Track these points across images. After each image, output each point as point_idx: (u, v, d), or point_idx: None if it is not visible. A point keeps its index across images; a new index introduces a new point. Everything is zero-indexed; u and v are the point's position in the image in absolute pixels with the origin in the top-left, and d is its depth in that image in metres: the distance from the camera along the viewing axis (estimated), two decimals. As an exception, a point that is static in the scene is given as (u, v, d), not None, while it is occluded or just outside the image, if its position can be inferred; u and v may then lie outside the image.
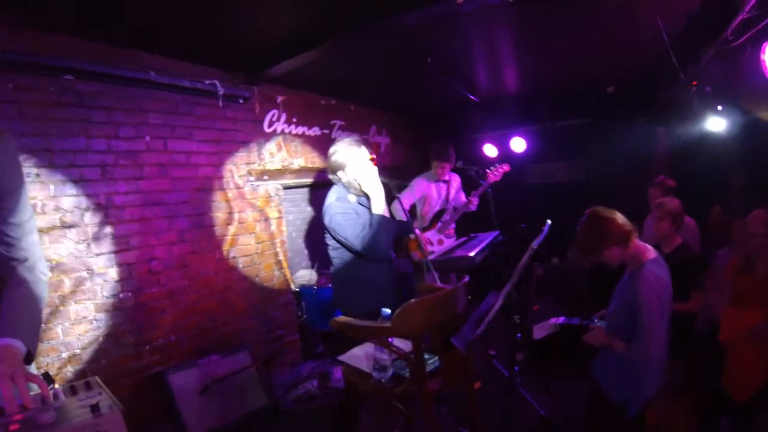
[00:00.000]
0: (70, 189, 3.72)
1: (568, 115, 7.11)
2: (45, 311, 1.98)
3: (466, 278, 3.06)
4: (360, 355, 2.97)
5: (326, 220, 3.50)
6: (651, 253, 2.98)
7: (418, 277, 4.80)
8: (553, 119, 7.24)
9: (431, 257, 4.08)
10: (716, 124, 4.79)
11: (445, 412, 3.88)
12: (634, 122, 6.35)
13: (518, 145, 7.35)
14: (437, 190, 6.01)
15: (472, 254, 3.93)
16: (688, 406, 3.69)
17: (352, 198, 3.57)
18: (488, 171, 5.66)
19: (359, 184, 3.52)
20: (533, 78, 6.21)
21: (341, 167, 3.51)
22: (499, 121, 7.56)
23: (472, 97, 6.40)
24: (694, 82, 4.53)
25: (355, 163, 3.48)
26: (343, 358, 3.01)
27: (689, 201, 4.85)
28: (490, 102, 6.95)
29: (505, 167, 5.72)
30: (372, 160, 3.53)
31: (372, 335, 2.68)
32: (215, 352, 4.42)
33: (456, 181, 6.12)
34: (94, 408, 1.43)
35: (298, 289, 5.63)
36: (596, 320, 3.30)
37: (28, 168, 3.47)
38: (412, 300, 2.62)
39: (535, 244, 2.48)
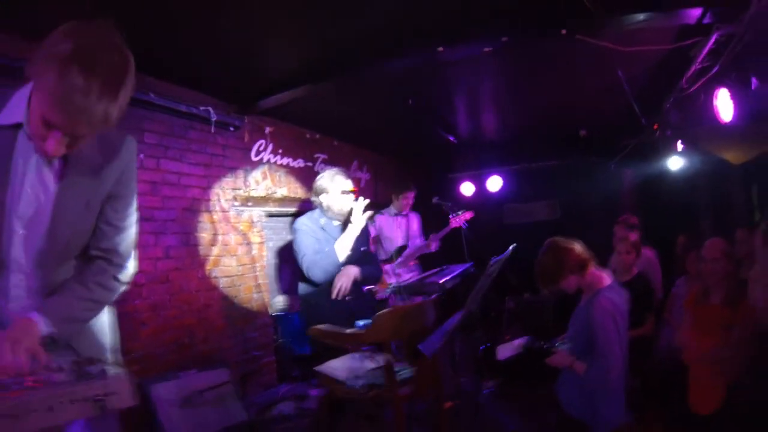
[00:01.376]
0: (65, 198, 3.86)
1: (543, 156, 7.49)
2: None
3: (434, 296, 3.27)
4: (337, 366, 3.14)
5: (292, 228, 3.95)
6: (607, 279, 3.19)
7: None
8: (529, 160, 7.61)
9: (403, 283, 4.32)
10: (675, 163, 5.21)
11: (418, 430, 4.02)
12: (605, 164, 6.74)
13: (494, 184, 7.71)
14: (396, 224, 6.30)
15: (441, 281, 4.14)
16: (654, 426, 3.89)
17: (323, 221, 3.92)
18: (450, 217, 5.97)
19: (337, 211, 3.85)
20: (510, 121, 6.56)
21: (324, 191, 3.88)
22: (477, 161, 7.92)
23: (450, 138, 6.71)
24: (655, 126, 4.90)
25: (336, 190, 3.85)
26: (320, 368, 3.18)
27: (656, 234, 5.17)
28: (468, 143, 7.29)
29: (468, 214, 6.07)
30: (354, 192, 3.89)
31: (347, 341, 2.87)
32: (194, 367, 4.49)
33: (415, 219, 6.43)
34: (103, 372, 1.54)
35: (275, 314, 5.77)
36: (557, 344, 3.49)
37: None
38: (384, 310, 2.85)
39: (493, 260, 2.69)
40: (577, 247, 3.20)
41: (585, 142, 6.84)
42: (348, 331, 2.89)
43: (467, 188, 7.95)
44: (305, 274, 3.85)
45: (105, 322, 2.07)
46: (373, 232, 6.15)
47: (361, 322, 2.96)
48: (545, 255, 3.24)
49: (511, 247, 2.95)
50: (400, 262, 6.06)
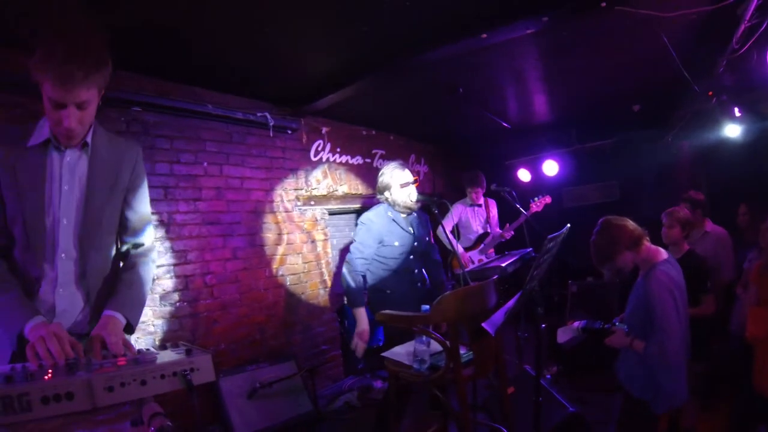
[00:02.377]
0: (137, 207, 4.12)
1: (597, 136, 7.37)
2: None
3: (495, 276, 3.31)
4: (402, 352, 3.22)
5: (358, 221, 4.07)
6: (663, 254, 3.16)
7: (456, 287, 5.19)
8: (583, 141, 7.50)
9: (467, 269, 4.38)
10: (733, 130, 4.99)
11: (483, 417, 4.06)
12: (661, 138, 6.55)
13: (550, 168, 7.64)
14: (474, 213, 6.57)
15: (503, 264, 4.19)
16: (722, 410, 3.78)
17: (391, 214, 3.98)
18: (531, 202, 6.20)
19: (402, 204, 3.94)
20: (561, 102, 6.50)
21: (387, 187, 3.97)
22: (531, 146, 7.86)
23: (504, 123, 6.70)
24: (710, 93, 4.71)
25: (396, 184, 3.93)
26: (386, 354, 3.27)
27: (721, 207, 4.97)
28: (522, 128, 7.27)
29: (547, 199, 6.25)
30: (415, 182, 3.98)
31: (413, 323, 2.94)
32: (264, 361, 4.71)
33: (494, 207, 6.65)
34: (188, 351, 1.76)
35: (340, 309, 5.91)
36: (617, 323, 3.47)
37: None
38: (448, 292, 2.91)
39: (550, 236, 2.71)
40: (630, 223, 3.20)
41: (639, 116, 6.66)
42: (415, 313, 2.97)
43: (524, 174, 7.93)
44: (347, 262, 3.97)
45: None
46: (452, 221, 6.40)
47: (426, 306, 3.03)
48: (599, 233, 3.25)
49: (566, 227, 2.94)
50: (482, 249, 6.38)
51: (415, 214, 4.06)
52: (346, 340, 5.81)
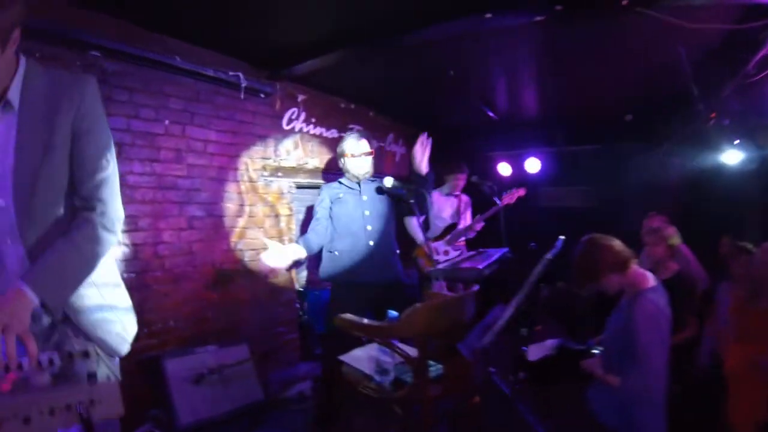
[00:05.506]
0: (85, 163, 3.71)
1: (583, 140, 7.27)
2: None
3: (476, 287, 3.04)
4: (362, 357, 2.94)
5: None
6: (650, 281, 2.95)
7: (425, 285, 5.00)
8: (569, 143, 7.40)
9: (439, 266, 4.11)
10: (732, 157, 4.83)
11: (445, 429, 3.85)
12: (649, 152, 6.41)
13: (533, 165, 7.52)
14: (449, 203, 6.42)
15: (480, 267, 3.94)
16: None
17: (344, 181, 4.22)
18: (504, 194, 6.12)
19: (353, 172, 4.13)
20: (552, 100, 6.33)
21: (342, 154, 4.16)
22: (515, 141, 7.72)
23: (491, 113, 6.44)
24: (713, 114, 4.55)
25: (349, 153, 4.11)
26: (344, 358, 2.98)
27: (700, 232, 4.84)
28: (507, 121, 7.04)
29: (521, 191, 6.11)
30: (370, 153, 4.12)
31: (377, 335, 2.67)
32: (213, 342, 4.37)
33: (467, 200, 6.54)
34: (91, 376, 1.39)
35: (301, 289, 5.63)
36: (593, 343, 3.27)
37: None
38: (419, 303, 2.62)
39: (549, 255, 2.46)
40: (617, 243, 2.99)
41: (630, 127, 6.59)
42: (377, 323, 2.69)
43: (504, 168, 7.75)
44: None
45: (119, 305, 1.97)
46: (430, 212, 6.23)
47: (394, 312, 2.75)
48: (582, 253, 3.00)
49: (560, 240, 2.70)
50: (448, 240, 6.23)
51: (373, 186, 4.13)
52: (305, 323, 5.54)
